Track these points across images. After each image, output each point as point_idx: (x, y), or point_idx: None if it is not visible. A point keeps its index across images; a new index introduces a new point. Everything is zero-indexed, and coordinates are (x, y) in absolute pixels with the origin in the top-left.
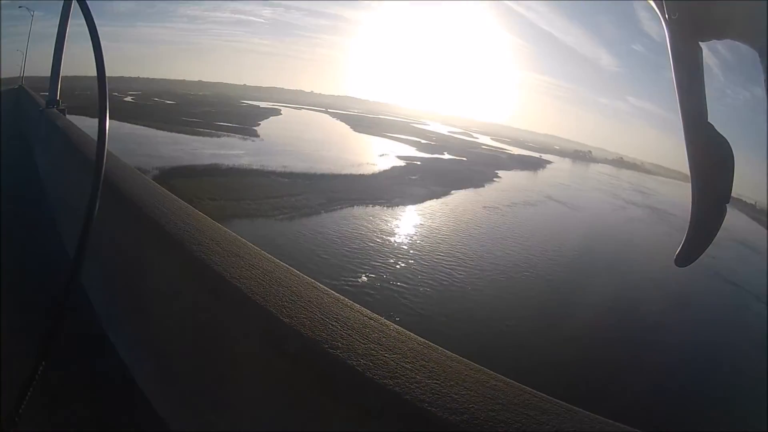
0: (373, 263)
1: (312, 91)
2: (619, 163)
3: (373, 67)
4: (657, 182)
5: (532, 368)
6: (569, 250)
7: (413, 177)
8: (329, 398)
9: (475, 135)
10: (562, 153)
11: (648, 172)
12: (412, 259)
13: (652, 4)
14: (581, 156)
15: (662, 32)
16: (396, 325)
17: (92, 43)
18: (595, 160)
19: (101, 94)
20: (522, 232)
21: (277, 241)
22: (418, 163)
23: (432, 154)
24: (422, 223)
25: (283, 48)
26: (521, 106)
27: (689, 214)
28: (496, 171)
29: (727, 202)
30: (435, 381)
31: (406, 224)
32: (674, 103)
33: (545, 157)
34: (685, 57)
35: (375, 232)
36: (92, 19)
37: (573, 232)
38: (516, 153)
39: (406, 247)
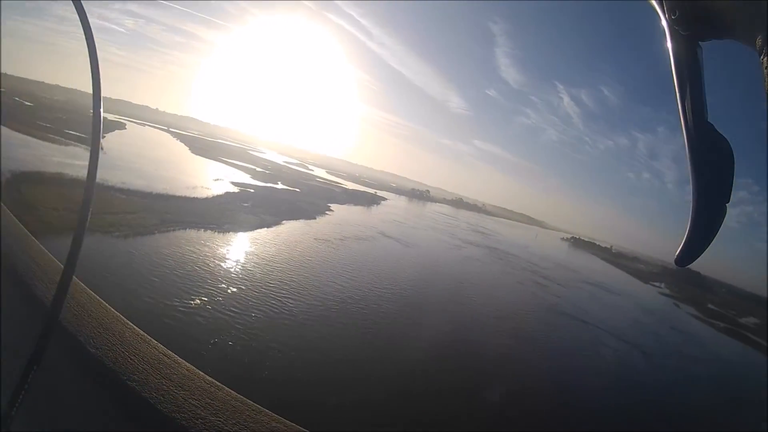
0: (206, 287)
1: (157, 109)
2: (459, 203)
3: (219, 90)
4: (498, 223)
5: (359, 400)
6: (400, 285)
7: (246, 204)
8: (127, 424)
9: (310, 167)
10: (398, 191)
11: (490, 213)
12: (243, 286)
13: (653, 3)
14: (418, 195)
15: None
16: (188, 364)
17: (87, 44)
18: (433, 200)
19: (96, 94)
20: (353, 266)
21: (112, 260)
22: (252, 190)
23: (266, 183)
24: (253, 251)
25: (137, 61)
26: (360, 141)
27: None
28: (329, 204)
29: (728, 202)
30: (218, 418)
31: (238, 251)
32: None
33: (381, 193)
34: (685, 57)
35: (207, 256)
36: (87, 20)
37: (405, 268)
38: (351, 188)
39: (237, 274)
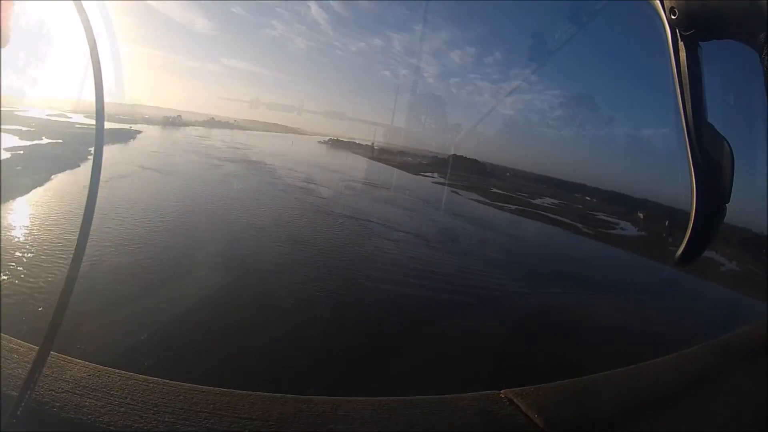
0: (3, 262)
1: None
2: (211, 123)
3: None
4: (252, 137)
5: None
6: (167, 215)
7: (18, 168)
8: None
9: (69, 115)
10: (150, 121)
11: (242, 128)
12: (33, 251)
13: (654, 3)
14: (170, 121)
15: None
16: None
17: (88, 44)
18: (186, 124)
19: (98, 100)
20: (120, 206)
21: None
22: (21, 152)
23: (32, 141)
24: (32, 212)
25: None
26: (110, 80)
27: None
28: (90, 149)
29: (728, 202)
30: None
31: (19, 217)
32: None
33: (135, 127)
34: (685, 57)
35: None
36: (88, 20)
37: (168, 196)
38: (107, 127)
39: (23, 241)
